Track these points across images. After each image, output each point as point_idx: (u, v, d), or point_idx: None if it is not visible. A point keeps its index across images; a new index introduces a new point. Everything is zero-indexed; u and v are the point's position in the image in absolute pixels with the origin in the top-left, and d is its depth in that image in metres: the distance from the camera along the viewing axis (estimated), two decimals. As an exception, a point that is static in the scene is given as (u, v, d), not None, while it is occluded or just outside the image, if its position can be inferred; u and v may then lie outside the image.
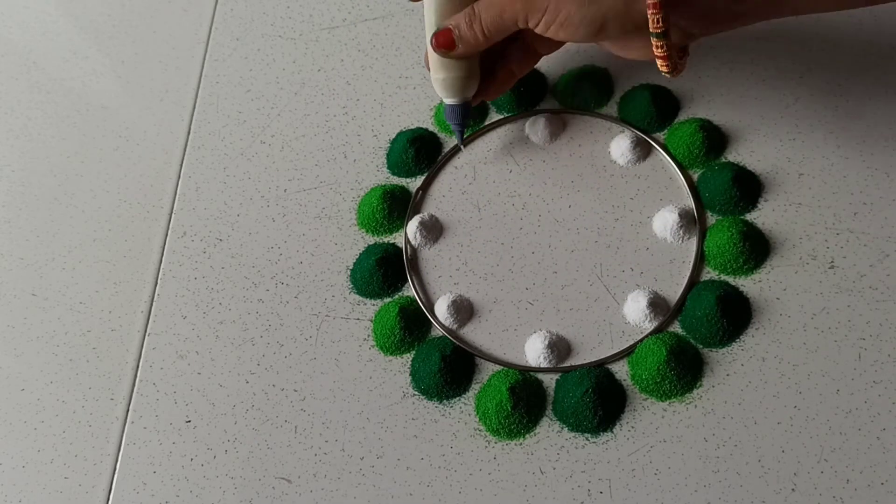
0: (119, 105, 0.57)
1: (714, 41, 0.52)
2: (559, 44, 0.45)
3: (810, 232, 0.44)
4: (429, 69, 0.45)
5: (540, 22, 0.39)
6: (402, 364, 0.44)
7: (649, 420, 0.41)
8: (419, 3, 0.45)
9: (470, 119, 0.47)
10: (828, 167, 0.46)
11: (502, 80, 0.46)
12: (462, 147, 0.49)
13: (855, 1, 0.40)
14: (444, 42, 0.42)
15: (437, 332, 0.45)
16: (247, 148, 0.53)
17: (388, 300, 0.46)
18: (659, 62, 0.39)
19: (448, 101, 0.45)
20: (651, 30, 0.37)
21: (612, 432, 0.41)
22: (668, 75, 0.40)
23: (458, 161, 0.50)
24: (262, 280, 0.48)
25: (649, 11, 0.36)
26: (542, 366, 0.43)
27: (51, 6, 0.63)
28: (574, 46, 0.53)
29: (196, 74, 0.57)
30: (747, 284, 0.43)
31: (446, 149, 0.51)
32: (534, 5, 0.39)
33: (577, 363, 0.43)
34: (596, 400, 0.40)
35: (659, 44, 0.37)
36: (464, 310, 0.45)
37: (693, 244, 0.45)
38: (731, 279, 0.44)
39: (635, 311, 0.43)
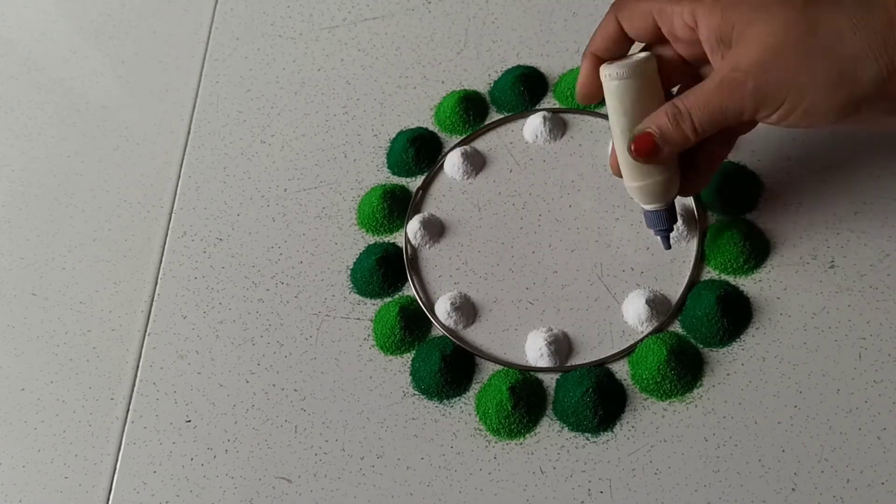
0: (119, 105, 0.57)
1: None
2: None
3: (810, 231, 0.44)
4: (617, 174, 0.40)
5: (774, 114, 0.33)
6: (402, 364, 0.44)
7: (649, 420, 0.41)
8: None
9: (675, 223, 0.41)
10: (828, 167, 0.46)
11: (705, 169, 0.40)
12: (669, 248, 0.43)
13: None
14: (647, 148, 0.36)
15: (438, 331, 0.45)
16: (247, 148, 0.53)
17: (388, 300, 0.46)
18: None
19: (648, 207, 0.40)
20: None
21: (613, 432, 0.41)
22: None
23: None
24: (263, 280, 0.48)
25: None
26: (542, 365, 0.43)
27: (51, 6, 0.63)
28: (574, 45, 0.54)
29: (196, 74, 0.57)
30: (747, 284, 0.43)
31: (446, 148, 0.51)
32: (768, 98, 0.33)
33: (577, 363, 0.43)
34: (596, 399, 0.40)
35: None
36: (464, 309, 0.45)
37: (693, 244, 0.45)
38: (731, 279, 0.44)
39: (635, 311, 0.43)
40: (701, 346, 0.42)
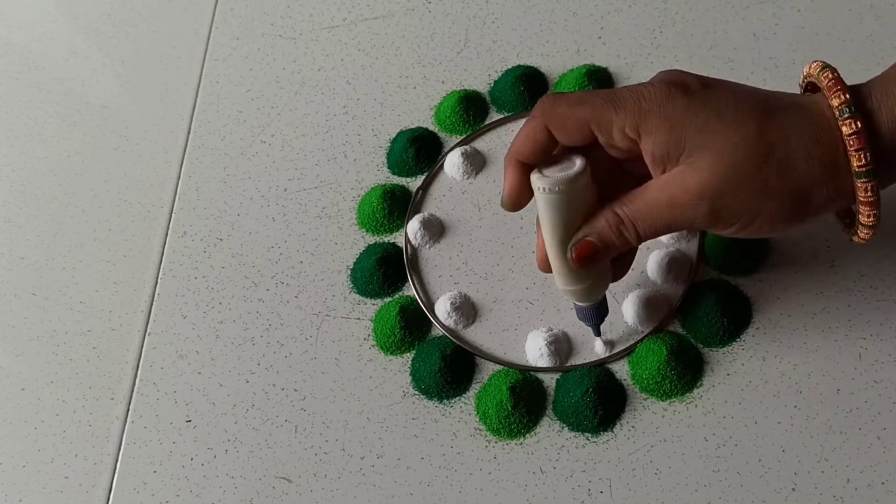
0: (119, 105, 0.57)
1: (712, 43, 0.52)
2: None
3: (811, 231, 0.44)
4: (545, 271, 0.39)
5: (724, 230, 0.34)
6: (402, 364, 0.44)
7: (650, 420, 0.41)
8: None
9: (606, 315, 0.41)
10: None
11: (630, 258, 0.40)
12: (600, 335, 0.42)
13: None
14: (588, 257, 0.35)
15: (438, 331, 0.45)
16: (247, 147, 0.53)
17: (388, 300, 0.46)
18: (864, 219, 0.33)
19: (583, 304, 0.40)
20: (864, 223, 0.33)
21: (613, 432, 0.41)
22: (865, 236, 0.34)
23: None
24: (263, 280, 0.48)
25: (861, 208, 0.32)
26: (542, 365, 0.43)
27: (51, 6, 0.63)
28: (574, 45, 0.54)
29: (196, 74, 0.57)
30: (748, 284, 0.43)
31: (446, 148, 0.51)
32: (721, 220, 0.33)
33: (577, 363, 0.43)
34: (596, 399, 0.40)
35: (867, 185, 0.32)
36: (464, 309, 0.45)
37: (694, 244, 0.45)
38: (731, 279, 0.44)
39: (635, 311, 0.43)
40: (701, 346, 0.42)
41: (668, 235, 0.45)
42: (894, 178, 0.34)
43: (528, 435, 0.41)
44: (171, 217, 0.51)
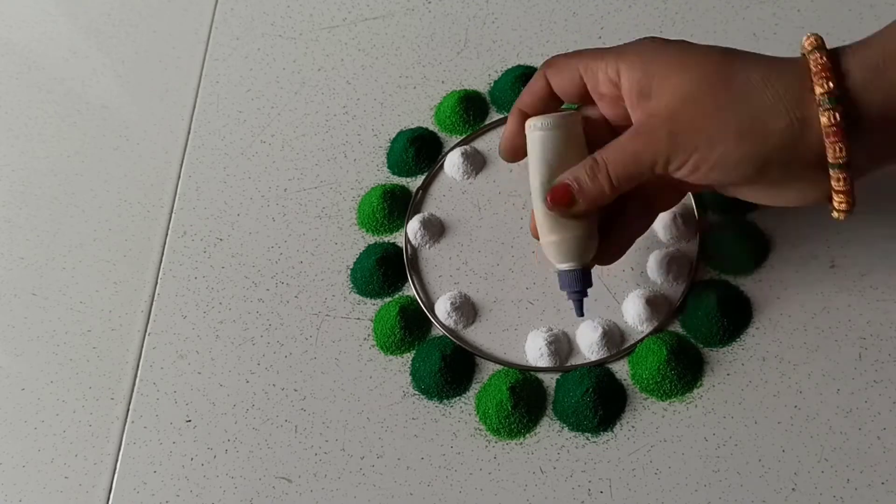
0: (119, 105, 0.57)
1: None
2: (683, 195, 0.41)
3: (811, 231, 0.44)
4: (536, 237, 0.39)
5: (685, 164, 0.33)
6: (402, 364, 0.44)
7: (650, 420, 0.41)
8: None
9: (590, 287, 0.39)
10: (828, 167, 0.46)
11: (621, 242, 0.40)
12: (582, 316, 0.40)
13: None
14: (562, 198, 0.36)
15: (438, 331, 0.45)
16: (247, 147, 0.53)
17: (388, 300, 0.46)
18: (836, 200, 0.33)
19: (562, 266, 0.38)
20: (831, 161, 0.31)
21: (613, 432, 0.41)
22: (841, 216, 0.34)
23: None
24: (263, 280, 0.48)
25: (828, 140, 0.31)
26: (542, 365, 0.43)
27: (51, 6, 0.63)
28: (574, 45, 0.53)
29: (196, 74, 0.57)
30: (748, 284, 0.43)
31: (446, 148, 0.51)
32: (679, 145, 0.33)
33: (577, 363, 0.43)
34: (596, 399, 0.40)
35: (840, 176, 0.32)
36: (464, 309, 0.45)
37: (694, 244, 0.45)
38: (731, 279, 0.44)
39: (635, 311, 0.43)
40: (701, 345, 0.42)
41: (667, 235, 0.45)
42: (865, 140, 0.32)
43: (528, 435, 0.41)
44: (171, 217, 0.51)
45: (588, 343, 0.43)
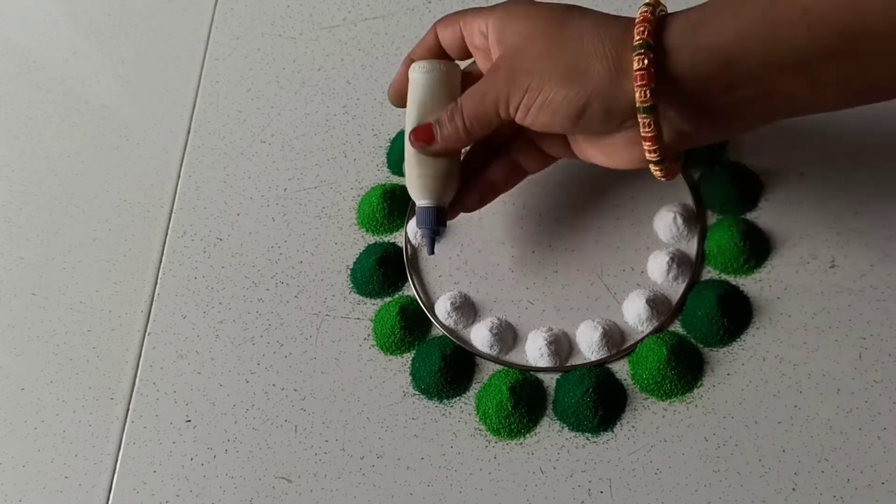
0: (119, 105, 0.57)
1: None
2: (545, 159, 0.42)
3: (811, 231, 0.44)
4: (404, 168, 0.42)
5: (520, 105, 0.36)
6: (402, 364, 0.44)
7: (650, 419, 0.41)
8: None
9: (443, 228, 0.42)
10: (828, 167, 0.46)
11: (482, 191, 0.42)
12: (432, 254, 0.43)
13: (864, 98, 0.34)
14: (423, 135, 0.39)
15: (438, 331, 0.45)
16: (247, 147, 0.53)
17: (388, 300, 0.46)
18: (647, 148, 0.35)
19: (421, 202, 0.41)
20: (638, 104, 0.33)
21: (613, 432, 0.41)
22: (657, 171, 0.36)
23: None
24: (262, 279, 0.48)
25: (636, 84, 0.33)
26: (542, 365, 0.43)
27: (51, 6, 0.63)
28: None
29: (196, 74, 0.57)
30: (748, 284, 0.43)
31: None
32: (515, 83, 0.36)
33: (577, 363, 0.43)
34: (596, 399, 0.40)
35: (647, 120, 0.34)
36: (464, 309, 0.45)
37: (693, 244, 0.45)
38: (731, 278, 0.44)
39: (636, 311, 0.43)
40: (701, 345, 0.42)
41: (668, 235, 0.45)
42: (680, 95, 0.34)
43: (528, 435, 0.41)
44: (171, 217, 0.51)
45: (588, 343, 0.43)
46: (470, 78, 0.41)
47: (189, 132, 0.55)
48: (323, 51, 0.57)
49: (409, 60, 0.41)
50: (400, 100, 0.42)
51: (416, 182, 0.41)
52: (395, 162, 0.51)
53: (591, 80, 0.34)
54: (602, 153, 0.38)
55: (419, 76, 0.40)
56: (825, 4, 0.30)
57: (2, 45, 0.62)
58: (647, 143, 0.35)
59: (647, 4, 0.34)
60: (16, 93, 0.59)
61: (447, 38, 0.40)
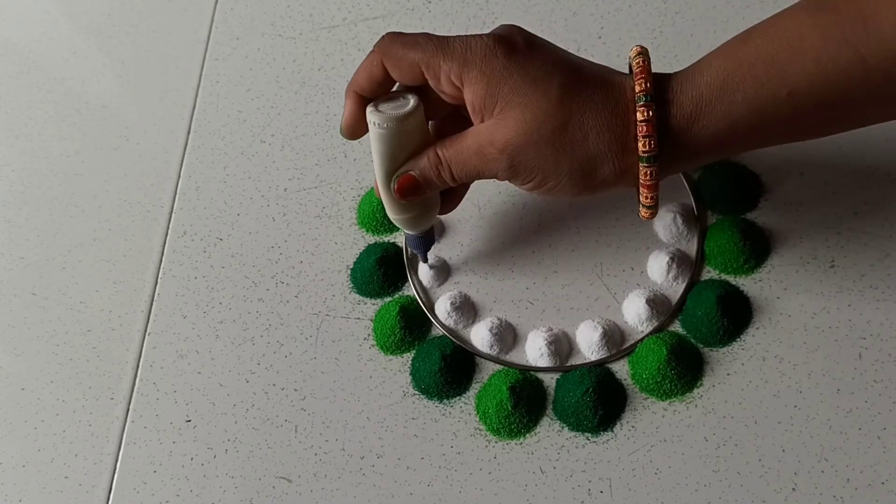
0: (119, 105, 0.57)
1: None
2: None
3: (811, 231, 0.44)
4: (379, 198, 0.41)
5: (524, 185, 0.37)
6: (402, 363, 0.44)
7: (650, 419, 0.41)
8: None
9: (432, 244, 0.44)
10: (828, 167, 0.46)
11: (454, 199, 0.43)
12: (426, 262, 0.46)
13: (817, 131, 0.37)
14: (410, 189, 0.38)
15: (438, 331, 0.45)
16: (247, 147, 0.53)
17: (388, 299, 0.46)
18: (643, 195, 0.36)
19: (411, 232, 0.42)
20: (641, 153, 0.35)
21: (613, 432, 0.41)
22: (646, 213, 0.37)
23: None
24: (262, 279, 0.48)
25: (640, 133, 0.34)
26: (542, 365, 0.43)
27: (51, 6, 0.63)
28: (574, 45, 0.53)
29: (196, 74, 0.57)
30: (748, 284, 0.43)
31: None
32: (518, 174, 0.36)
33: (577, 363, 0.43)
34: (596, 399, 0.40)
35: (649, 170, 0.35)
36: (464, 309, 0.45)
37: (693, 244, 0.45)
38: (731, 278, 0.44)
39: (635, 311, 0.43)
40: (701, 345, 0.42)
41: (668, 235, 0.45)
42: (678, 167, 0.37)
43: (528, 435, 0.41)
44: (171, 217, 0.51)
45: (588, 343, 0.43)
46: (428, 100, 0.38)
47: (189, 132, 0.55)
48: (323, 51, 0.57)
49: (356, 94, 0.38)
50: (354, 137, 0.40)
51: (400, 223, 0.41)
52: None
53: (597, 179, 0.36)
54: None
55: (383, 132, 0.37)
56: (808, 87, 0.33)
57: (2, 45, 0.62)
58: (645, 190, 0.36)
59: (644, 92, 0.34)
60: (16, 93, 0.59)
61: (403, 77, 0.37)
